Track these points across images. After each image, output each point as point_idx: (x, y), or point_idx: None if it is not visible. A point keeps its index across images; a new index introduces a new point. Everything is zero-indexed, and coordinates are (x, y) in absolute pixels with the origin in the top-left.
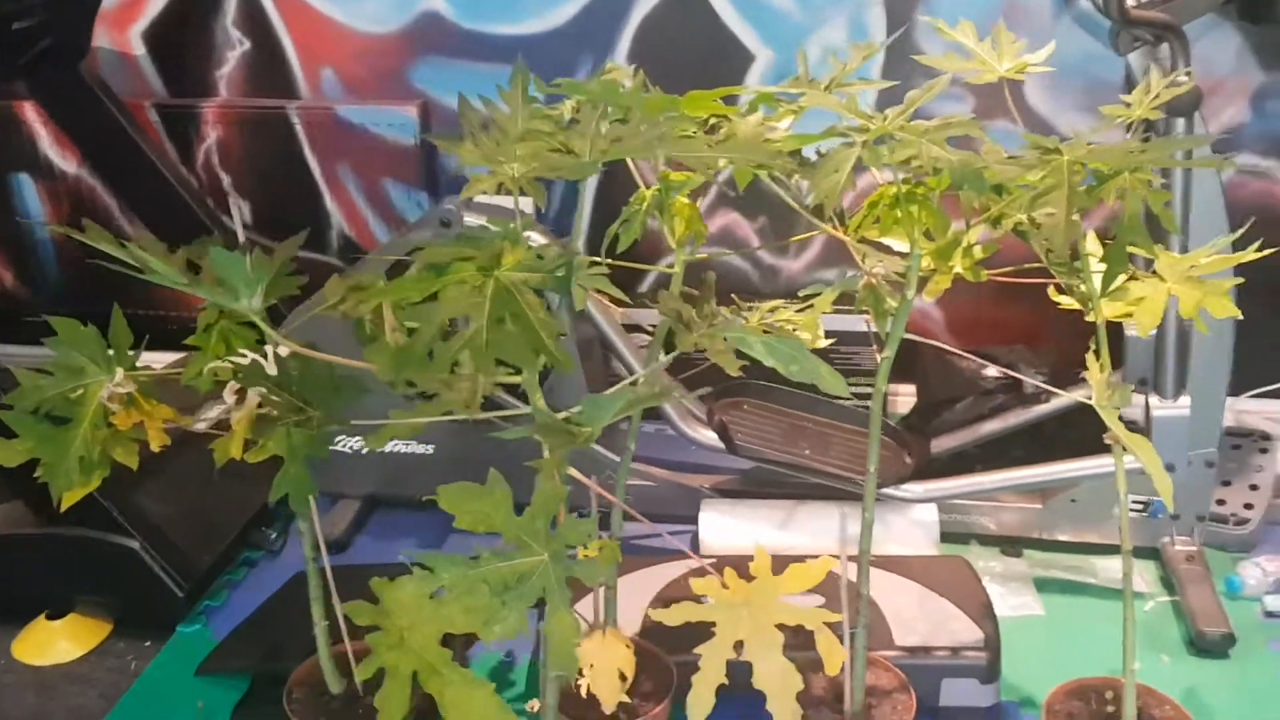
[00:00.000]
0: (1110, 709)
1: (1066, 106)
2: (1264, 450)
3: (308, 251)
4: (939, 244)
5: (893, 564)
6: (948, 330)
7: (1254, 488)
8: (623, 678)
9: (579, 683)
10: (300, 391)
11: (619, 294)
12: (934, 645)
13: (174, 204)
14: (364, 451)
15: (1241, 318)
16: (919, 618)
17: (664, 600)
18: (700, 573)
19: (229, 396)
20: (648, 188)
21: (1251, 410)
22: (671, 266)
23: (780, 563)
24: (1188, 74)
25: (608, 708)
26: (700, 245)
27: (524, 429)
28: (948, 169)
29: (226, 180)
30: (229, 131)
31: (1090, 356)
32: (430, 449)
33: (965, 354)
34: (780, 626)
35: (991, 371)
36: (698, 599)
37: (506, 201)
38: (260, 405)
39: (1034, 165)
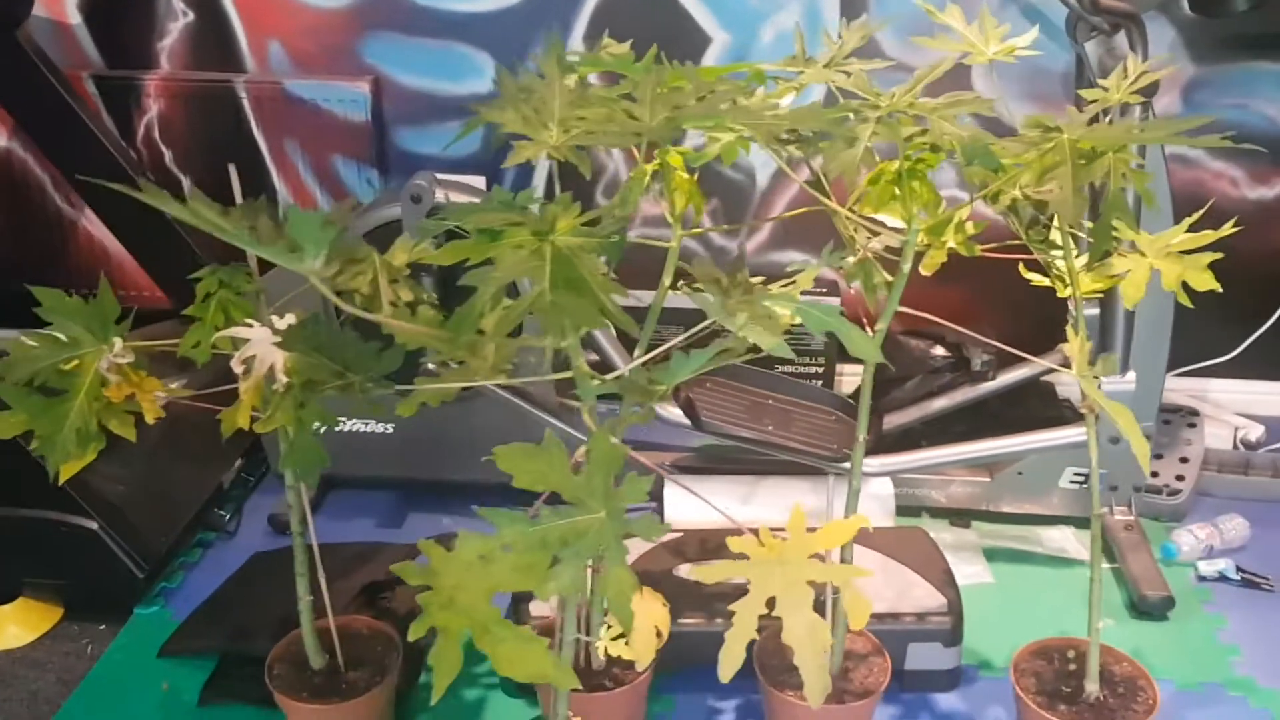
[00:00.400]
0: (1073, 666)
1: (1010, 94)
2: (1192, 425)
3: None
4: (933, 220)
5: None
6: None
7: (1184, 460)
8: (658, 635)
9: (597, 644)
10: (340, 358)
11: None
12: (900, 612)
13: (117, 178)
14: (320, 431)
15: (1220, 290)
16: (884, 586)
17: (639, 571)
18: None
19: (236, 366)
20: (646, 164)
21: (1175, 388)
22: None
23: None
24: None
25: (642, 664)
26: (698, 220)
27: (609, 383)
28: (958, 144)
29: (169, 155)
30: (171, 105)
31: (1069, 329)
32: (389, 429)
33: (909, 338)
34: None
35: (939, 351)
36: (670, 570)
37: (474, 180)
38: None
39: (1037, 143)
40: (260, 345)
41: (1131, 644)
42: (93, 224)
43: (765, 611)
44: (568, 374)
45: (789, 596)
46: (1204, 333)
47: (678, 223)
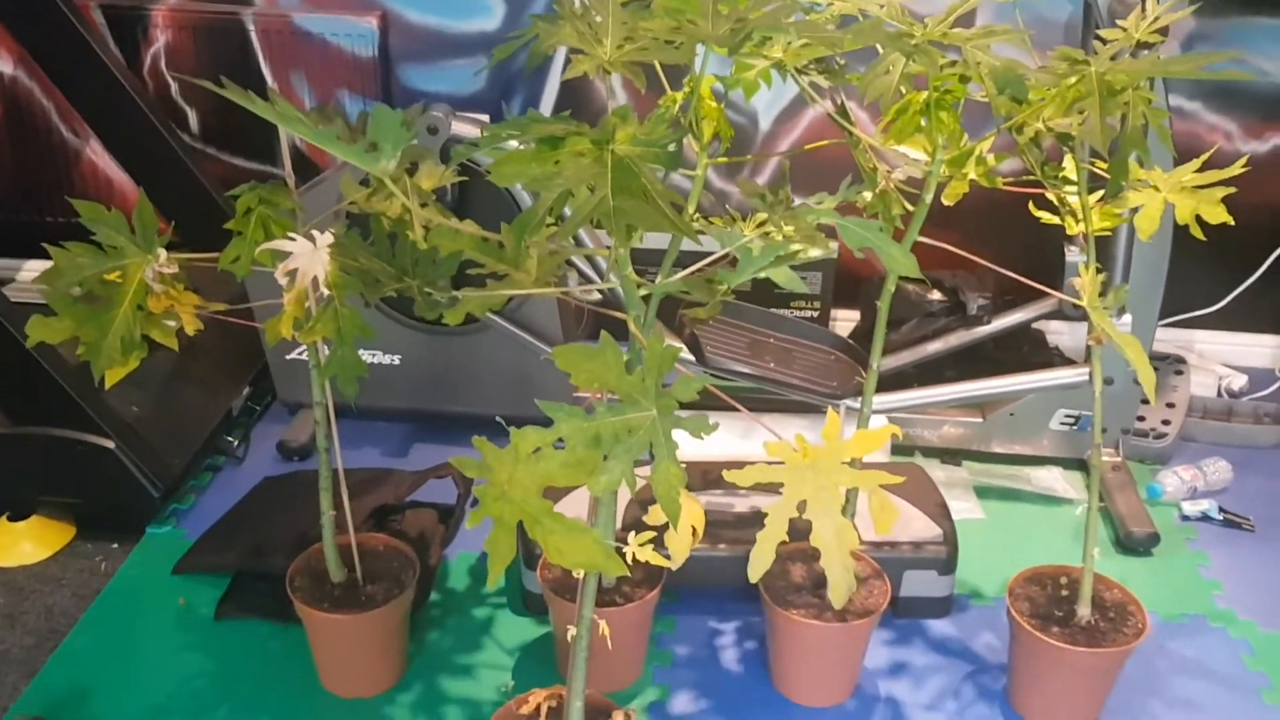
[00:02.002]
0: (1065, 592)
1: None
2: (1179, 372)
3: (258, 163)
4: (955, 152)
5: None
6: None
7: (1170, 405)
8: (694, 534)
9: (627, 549)
10: (399, 263)
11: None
12: (897, 541)
13: (124, 108)
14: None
15: (1233, 222)
16: None
17: (642, 500)
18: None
19: (280, 277)
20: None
21: (1161, 340)
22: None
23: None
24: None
25: (678, 564)
26: (725, 149)
27: (676, 282)
28: (990, 73)
29: (175, 87)
30: (179, 36)
31: (1080, 265)
32: (397, 359)
33: (907, 281)
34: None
35: (936, 295)
36: None
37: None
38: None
39: (1066, 75)
40: (303, 257)
41: (1118, 578)
42: (98, 154)
43: (796, 514)
44: (611, 284)
45: (820, 501)
46: (1192, 285)
47: (703, 151)
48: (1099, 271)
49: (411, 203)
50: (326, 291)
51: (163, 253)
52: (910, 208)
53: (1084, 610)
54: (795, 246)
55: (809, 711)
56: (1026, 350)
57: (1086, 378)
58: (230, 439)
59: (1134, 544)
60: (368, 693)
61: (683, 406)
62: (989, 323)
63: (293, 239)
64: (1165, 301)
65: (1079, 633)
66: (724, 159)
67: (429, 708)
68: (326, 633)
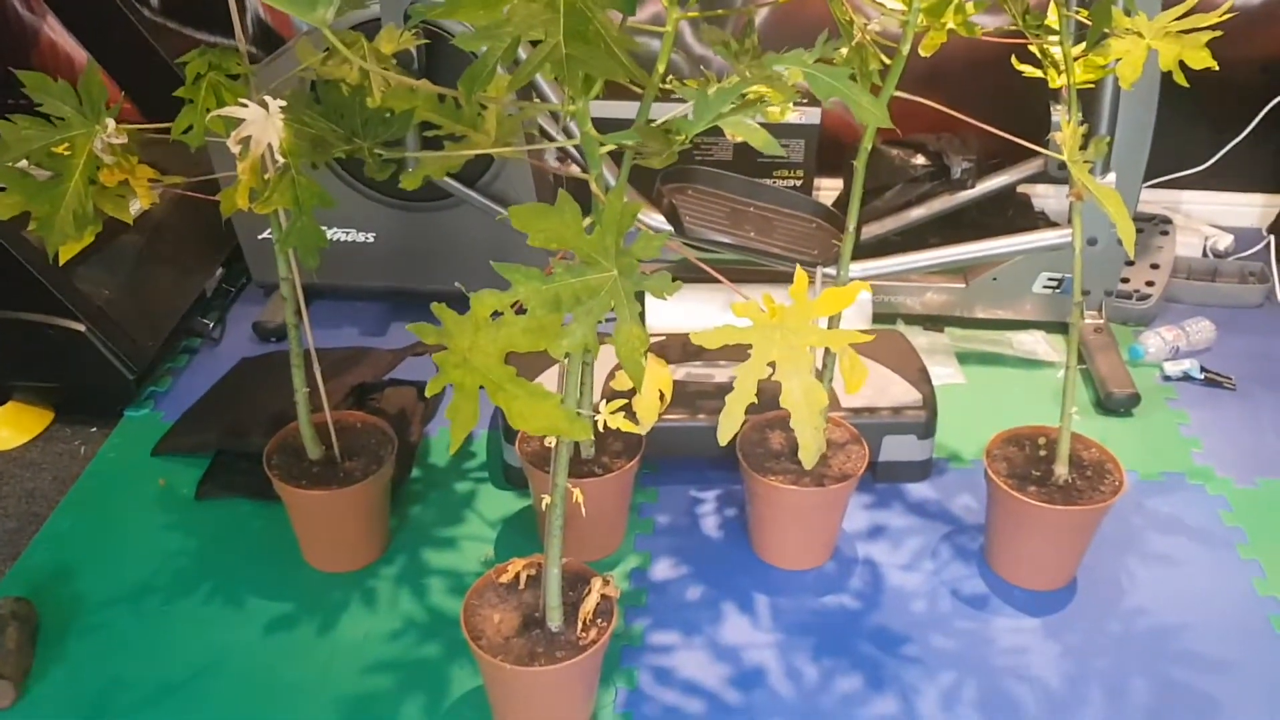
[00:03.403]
0: (1043, 452)
1: None
2: (1164, 233)
3: (222, 36)
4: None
5: None
6: None
7: (1155, 267)
8: (662, 398)
9: (599, 418)
10: (348, 123)
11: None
12: (876, 406)
13: None
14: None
15: (1217, 68)
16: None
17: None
18: (653, 349)
19: (233, 146)
20: None
21: (1148, 200)
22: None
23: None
24: None
25: (645, 428)
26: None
27: (627, 134)
28: None
29: None
30: None
31: (1061, 118)
32: (371, 237)
33: (890, 147)
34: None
35: (920, 160)
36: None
37: None
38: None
39: None
40: (256, 124)
41: (1098, 438)
42: (56, 31)
43: (765, 375)
44: (573, 141)
45: (789, 361)
46: (1179, 144)
47: (674, 5)
48: (1082, 127)
49: (370, 63)
50: (282, 159)
51: (110, 123)
52: (888, 61)
53: (1061, 469)
54: (756, 91)
55: (788, 575)
56: (1011, 214)
57: (1070, 239)
58: (205, 320)
59: (1114, 405)
60: (350, 567)
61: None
62: (973, 187)
63: (244, 105)
64: (1152, 161)
65: (1056, 492)
66: (695, 14)
67: (412, 579)
68: (305, 509)
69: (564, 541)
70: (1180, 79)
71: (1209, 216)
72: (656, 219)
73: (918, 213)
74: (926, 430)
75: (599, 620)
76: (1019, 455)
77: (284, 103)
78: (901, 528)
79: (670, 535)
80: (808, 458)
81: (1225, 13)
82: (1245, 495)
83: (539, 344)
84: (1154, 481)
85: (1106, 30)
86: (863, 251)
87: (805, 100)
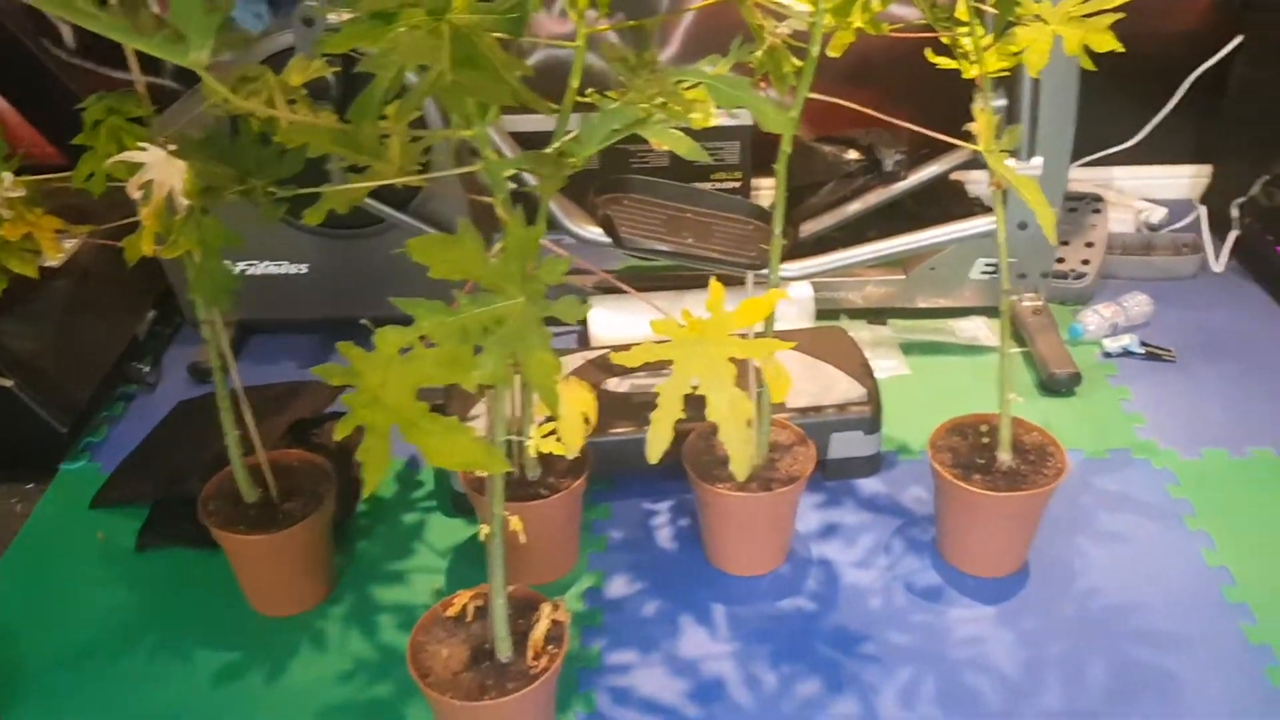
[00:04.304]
0: (986, 440)
1: None
2: (1097, 210)
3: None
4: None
5: (778, 337)
6: (804, 118)
7: (1089, 245)
8: (587, 421)
9: (529, 443)
10: (239, 163)
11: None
12: (823, 404)
13: None
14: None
15: (1122, 49)
16: (806, 381)
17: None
18: (597, 363)
19: (133, 192)
20: None
21: (1080, 178)
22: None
23: None
24: None
25: (572, 452)
26: (604, 15)
27: (517, 159)
28: None
29: None
30: None
31: (976, 108)
32: (304, 268)
33: (822, 143)
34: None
35: (852, 155)
36: (600, 384)
37: None
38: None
39: None
40: (157, 167)
41: (1041, 419)
42: None
43: (690, 390)
44: (479, 166)
45: (711, 374)
46: (1107, 122)
47: (581, 19)
48: (997, 114)
49: (277, 96)
50: (186, 202)
51: (7, 176)
52: (801, 64)
53: (1004, 456)
54: (644, 109)
55: (744, 581)
56: (946, 203)
57: None
58: (140, 365)
59: (1056, 385)
60: (297, 609)
61: (606, 292)
62: (906, 178)
63: (144, 149)
64: (1082, 141)
65: (1000, 478)
66: (604, 27)
67: (361, 618)
68: (245, 555)
69: (510, 568)
70: (1087, 64)
71: (1141, 191)
72: (593, 231)
73: (854, 207)
74: (873, 425)
75: (550, 647)
76: (963, 444)
77: (174, 146)
78: (854, 524)
79: (624, 551)
80: (739, 469)
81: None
82: (1190, 467)
83: (452, 377)
84: (1100, 460)
85: (1012, 19)
86: (802, 250)
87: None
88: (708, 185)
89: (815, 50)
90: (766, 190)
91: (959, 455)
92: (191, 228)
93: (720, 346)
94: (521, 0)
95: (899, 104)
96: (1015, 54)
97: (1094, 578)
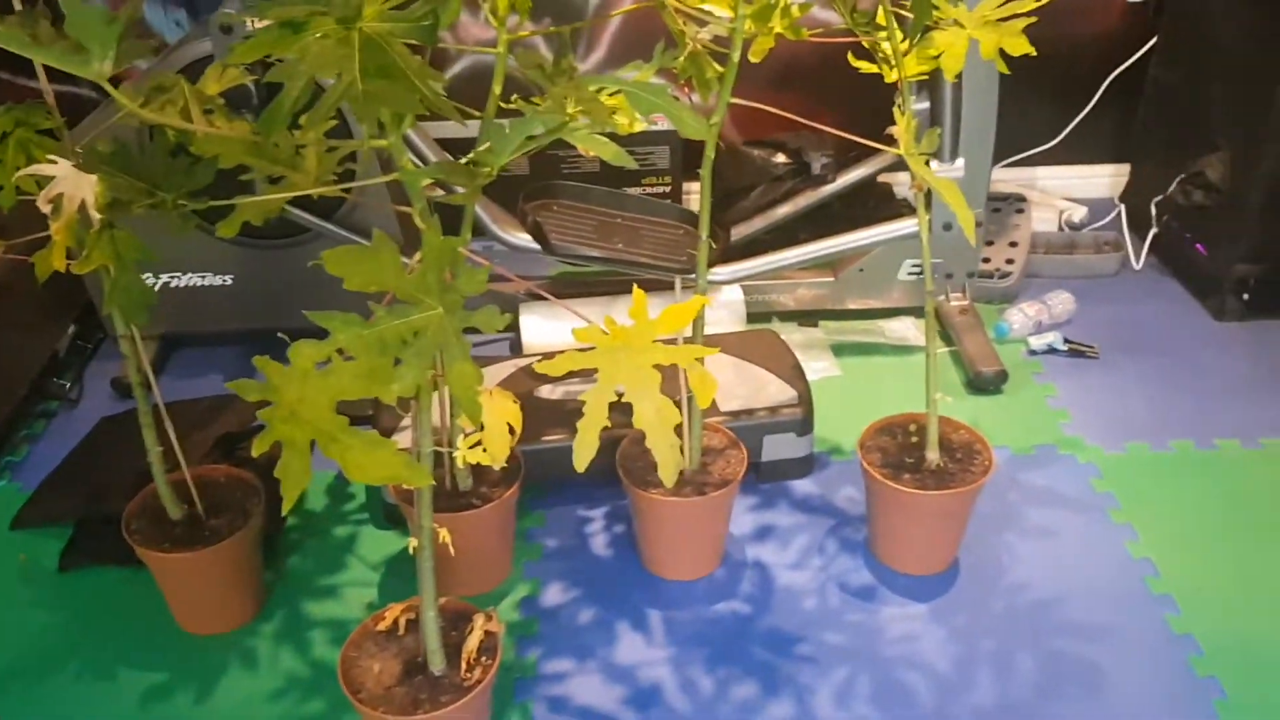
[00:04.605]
0: (914, 439)
1: None
2: (1020, 210)
3: (57, 84)
4: (759, 5)
5: (709, 341)
6: (732, 122)
7: (1013, 245)
8: (511, 432)
9: (456, 454)
10: (148, 176)
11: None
12: (754, 407)
13: None
14: (155, 289)
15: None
16: (738, 385)
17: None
18: (529, 371)
19: (44, 206)
20: None
21: (1004, 179)
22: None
23: None
24: None
25: (498, 464)
26: (524, 20)
27: (429, 169)
28: None
29: None
30: None
31: (896, 111)
32: (229, 279)
33: (751, 147)
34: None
35: (781, 158)
36: (532, 392)
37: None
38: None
39: None
40: (67, 180)
41: (969, 418)
42: None
43: (614, 398)
44: (394, 175)
45: (636, 382)
46: (1029, 123)
47: (502, 26)
48: (919, 117)
49: (194, 108)
50: (97, 216)
51: None
52: (722, 69)
53: (932, 455)
54: (558, 119)
55: (679, 586)
56: (874, 204)
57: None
58: (61, 382)
59: (984, 383)
60: (226, 627)
61: (539, 299)
62: (834, 181)
63: (54, 162)
64: (1005, 142)
65: (929, 477)
66: (524, 34)
67: (292, 634)
68: (171, 573)
69: (444, 579)
70: (1002, 67)
71: (1063, 190)
72: (522, 238)
73: (783, 210)
74: (804, 427)
75: (483, 658)
76: (891, 444)
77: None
78: (787, 526)
79: (560, 559)
80: (667, 476)
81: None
82: (1114, 461)
83: (371, 390)
84: (1027, 456)
85: (928, 23)
86: (733, 253)
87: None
88: (638, 190)
89: (736, 56)
90: (697, 195)
91: (888, 455)
92: (105, 242)
93: (644, 354)
94: (433, 8)
95: (828, 106)
96: (934, 57)
97: (1022, 573)
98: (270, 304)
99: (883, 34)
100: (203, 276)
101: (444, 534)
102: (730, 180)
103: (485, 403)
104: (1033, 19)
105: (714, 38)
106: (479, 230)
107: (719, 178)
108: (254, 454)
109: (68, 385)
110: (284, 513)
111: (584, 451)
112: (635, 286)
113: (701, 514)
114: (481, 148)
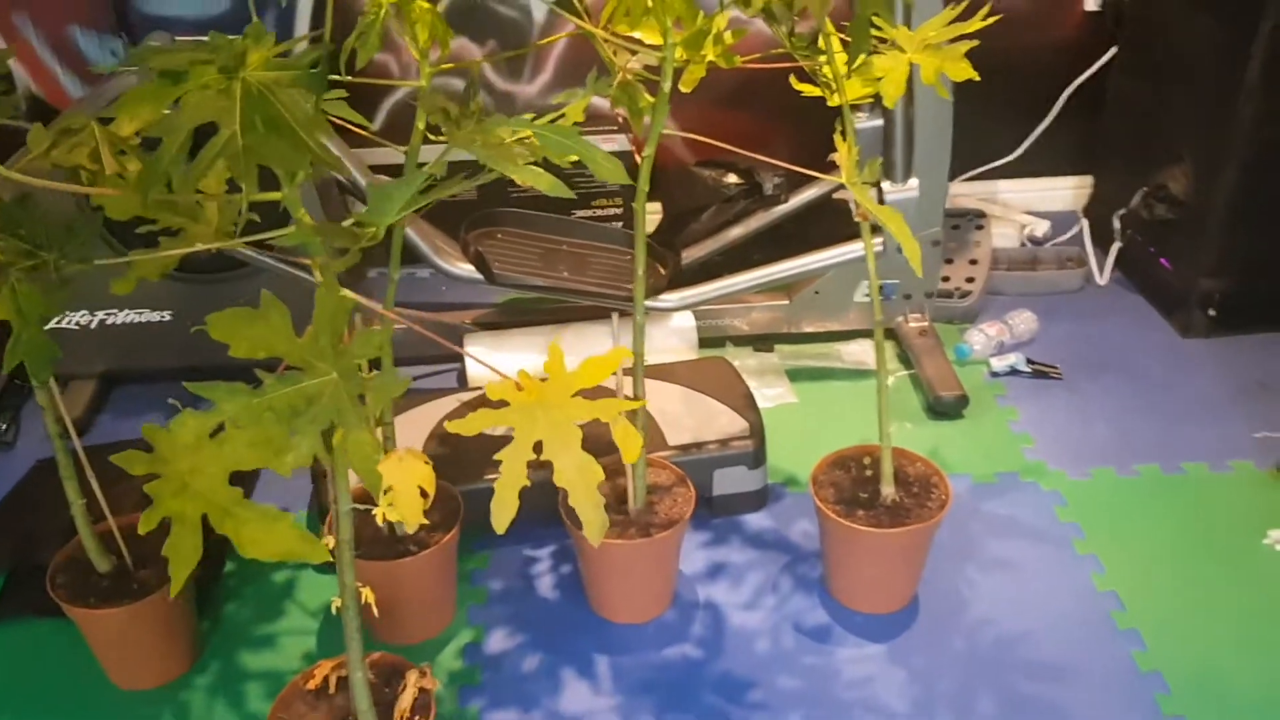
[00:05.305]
0: (869, 472)
1: None
2: (980, 227)
3: None
4: (689, 33)
5: (658, 371)
6: (683, 141)
7: (974, 262)
8: (424, 494)
9: (375, 511)
10: (30, 236)
11: (361, 119)
12: (704, 440)
13: None
14: (93, 326)
15: (978, 79)
16: (687, 416)
17: (439, 436)
18: (473, 405)
19: None
20: None
21: (965, 193)
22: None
23: None
24: None
25: (411, 527)
26: (445, 55)
27: (307, 230)
28: None
29: None
30: None
31: (837, 138)
32: (168, 315)
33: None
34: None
35: (732, 179)
36: None
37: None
38: None
39: None
40: None
41: (930, 444)
42: None
43: (532, 457)
44: (260, 235)
45: (555, 439)
46: (989, 135)
47: (424, 59)
48: (884, 136)
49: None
50: None
51: None
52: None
53: (888, 489)
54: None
55: (628, 629)
56: (830, 225)
57: (882, 248)
58: None
59: (944, 408)
60: (158, 682)
61: (486, 328)
62: (786, 201)
63: None
64: (965, 154)
65: (884, 513)
66: (446, 66)
67: (227, 688)
68: (98, 629)
69: (383, 627)
70: (943, 93)
71: (1026, 204)
72: (464, 268)
73: (736, 232)
74: (756, 459)
75: (416, 717)
76: (845, 478)
77: None
78: (741, 563)
79: (505, 602)
80: (593, 536)
81: (986, 17)
82: (1078, 488)
83: (269, 460)
84: (988, 484)
85: (865, 48)
86: (685, 276)
87: (618, 128)
88: (589, 212)
89: (667, 86)
90: (650, 215)
91: (842, 490)
92: (6, 296)
93: (563, 409)
94: (319, 55)
95: (782, 124)
96: (878, 79)
97: (983, 608)
98: (211, 340)
99: (822, 58)
100: (140, 313)
101: (367, 594)
102: (681, 201)
103: (394, 466)
104: (974, 43)
105: (645, 66)
106: (418, 260)
107: (669, 199)
108: (140, 531)
109: (4, 427)
110: (172, 594)
111: (502, 512)
112: (552, 343)
113: (648, 556)
114: (364, 210)
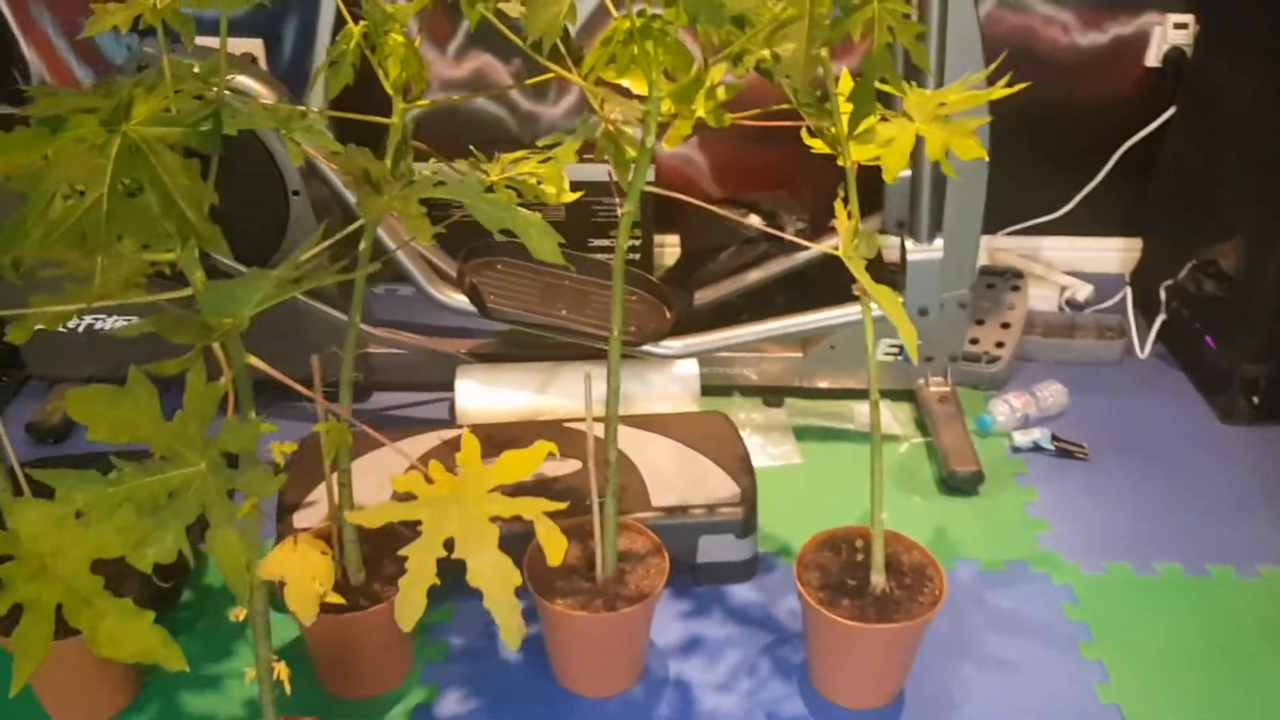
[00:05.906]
0: (860, 557)
1: None
2: (1016, 288)
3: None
4: (678, 85)
5: (651, 423)
6: (711, 176)
7: (1006, 326)
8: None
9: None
10: None
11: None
12: (690, 504)
13: None
14: (80, 330)
15: (987, 160)
16: (676, 475)
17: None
18: (454, 444)
19: None
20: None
21: (1007, 248)
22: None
23: (537, 427)
24: None
25: (306, 620)
26: (421, 90)
27: (143, 323)
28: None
29: None
30: None
31: (838, 204)
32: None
33: (724, 206)
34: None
35: (755, 219)
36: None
37: (235, 44)
38: None
39: None
40: None
41: (938, 522)
42: None
43: (442, 555)
44: (162, 295)
45: (469, 537)
46: (1035, 189)
47: (398, 95)
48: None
49: None
50: None
51: None
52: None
53: (878, 578)
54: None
55: (589, 704)
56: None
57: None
58: None
59: (958, 484)
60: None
61: (481, 359)
62: (808, 246)
63: None
64: (1009, 208)
65: (870, 605)
66: (424, 103)
67: None
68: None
69: (333, 680)
70: (949, 171)
71: (1071, 263)
72: (458, 299)
73: (754, 275)
74: (745, 528)
75: None
76: (834, 561)
77: None
78: (719, 639)
79: (464, 661)
80: (511, 640)
81: (1007, 85)
82: (1091, 583)
83: (138, 549)
84: (996, 572)
85: (868, 113)
86: (699, 318)
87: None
88: (606, 241)
89: (650, 140)
90: (670, 247)
91: (828, 575)
92: None
93: (478, 504)
94: (214, 111)
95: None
96: (887, 143)
97: (974, 711)
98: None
99: (826, 121)
100: (129, 319)
101: (281, 669)
102: (700, 239)
103: (287, 556)
104: (985, 119)
105: (626, 118)
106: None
107: (688, 235)
108: None
109: None
110: (14, 692)
111: (408, 613)
112: (466, 432)
113: (612, 630)
114: (208, 309)
